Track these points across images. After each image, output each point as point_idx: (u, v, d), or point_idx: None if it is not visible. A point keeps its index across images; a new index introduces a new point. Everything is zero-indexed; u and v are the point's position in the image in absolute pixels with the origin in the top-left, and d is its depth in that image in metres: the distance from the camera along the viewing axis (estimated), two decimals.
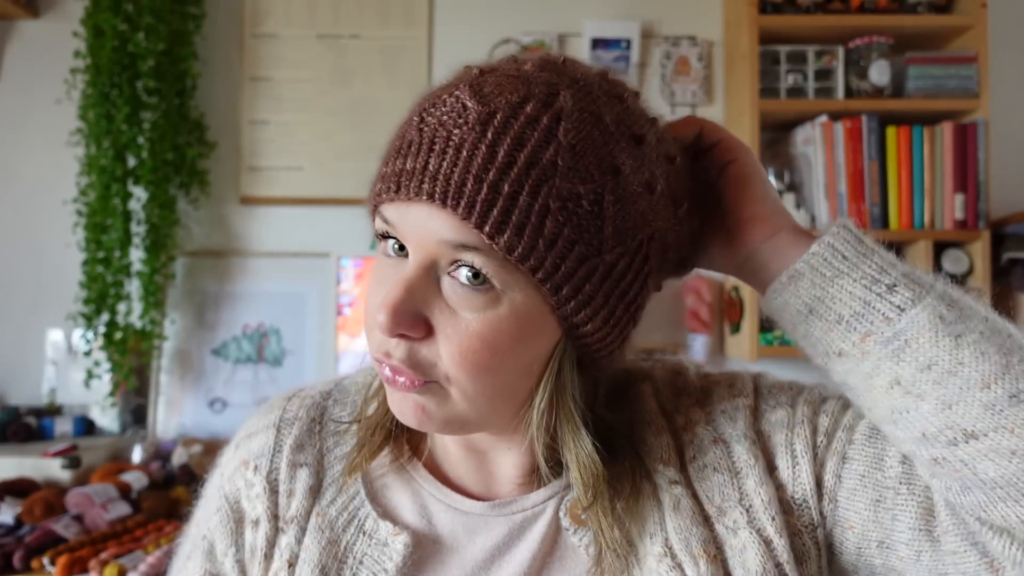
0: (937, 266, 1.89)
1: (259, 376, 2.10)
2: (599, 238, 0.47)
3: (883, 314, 0.48)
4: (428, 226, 0.47)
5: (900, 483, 0.52)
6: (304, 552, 0.58)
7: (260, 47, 2.15)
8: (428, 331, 0.48)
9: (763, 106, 1.91)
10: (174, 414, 2.08)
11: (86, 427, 2.03)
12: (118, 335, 1.95)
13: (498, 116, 0.46)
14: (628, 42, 2.12)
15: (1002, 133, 1.96)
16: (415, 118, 0.49)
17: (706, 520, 0.55)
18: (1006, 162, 1.97)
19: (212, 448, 1.89)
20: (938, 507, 0.50)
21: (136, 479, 1.74)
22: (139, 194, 1.99)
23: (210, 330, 2.11)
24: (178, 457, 1.86)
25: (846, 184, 1.89)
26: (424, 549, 0.58)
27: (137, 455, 1.91)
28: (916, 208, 1.88)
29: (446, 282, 0.48)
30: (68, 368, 2.08)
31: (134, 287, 2.00)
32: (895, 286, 0.49)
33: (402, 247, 0.50)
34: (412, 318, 0.48)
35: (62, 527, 1.53)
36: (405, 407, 0.52)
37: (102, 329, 1.94)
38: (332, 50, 2.15)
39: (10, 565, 1.44)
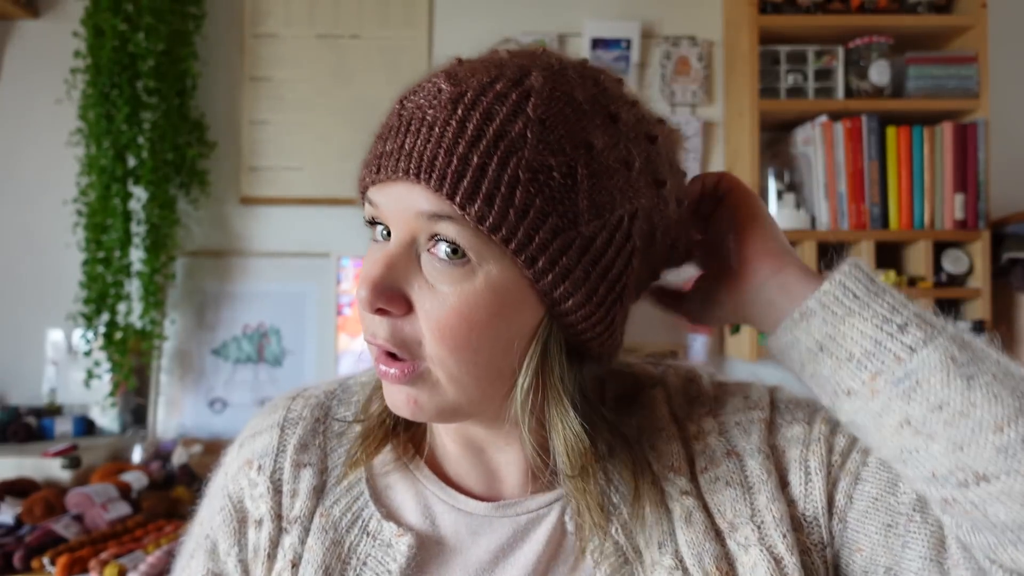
0: (937, 266, 1.89)
1: (259, 376, 2.11)
2: (573, 210, 0.47)
3: (894, 354, 0.48)
4: (406, 202, 0.48)
5: (913, 510, 0.52)
6: (308, 552, 0.58)
7: (260, 47, 2.15)
8: (409, 308, 0.49)
9: (763, 106, 1.91)
10: (174, 414, 2.08)
11: (86, 427, 2.03)
12: (118, 335, 1.95)
13: (468, 94, 0.47)
14: (628, 42, 2.12)
15: (1002, 133, 1.96)
16: (396, 105, 0.51)
17: (718, 535, 0.55)
18: (1006, 162, 1.97)
19: (212, 448, 1.89)
20: (949, 540, 0.50)
21: (136, 479, 1.74)
22: (139, 194, 1.99)
23: (210, 330, 2.11)
24: (178, 457, 1.86)
25: (846, 184, 1.89)
26: (428, 550, 0.58)
27: (137, 455, 1.91)
28: (916, 208, 1.89)
29: (425, 258, 0.49)
30: (68, 368, 2.08)
31: (134, 287, 2.00)
32: (906, 326, 0.48)
33: (390, 233, 0.51)
34: (391, 293, 0.49)
35: (62, 527, 1.53)
36: (398, 399, 0.52)
37: (102, 329, 1.94)
38: (332, 50, 2.15)
39: (10, 565, 1.44)
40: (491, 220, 0.46)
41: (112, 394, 1.98)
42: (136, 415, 2.07)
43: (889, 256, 1.97)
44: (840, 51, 1.94)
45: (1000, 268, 1.88)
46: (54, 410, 2.05)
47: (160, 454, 1.93)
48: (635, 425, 0.60)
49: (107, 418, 2.05)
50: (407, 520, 0.59)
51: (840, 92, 1.94)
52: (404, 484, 0.60)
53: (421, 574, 0.57)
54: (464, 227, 0.47)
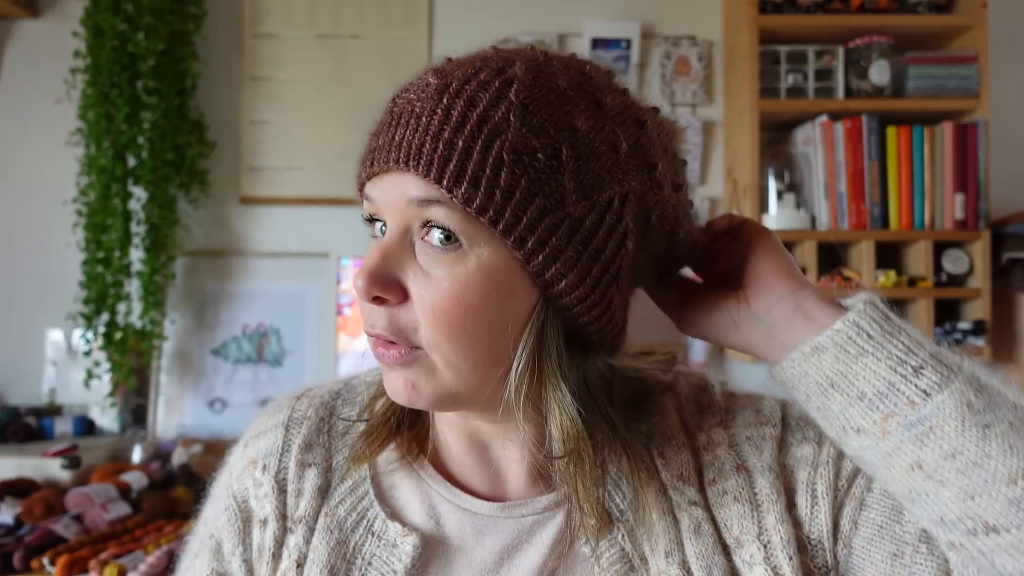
0: (937, 266, 1.89)
1: (259, 376, 2.10)
2: (560, 191, 0.47)
3: (908, 397, 0.47)
4: (397, 191, 0.50)
5: (920, 541, 0.51)
6: (313, 552, 0.58)
7: (260, 47, 2.15)
8: (405, 296, 0.50)
9: (763, 106, 1.91)
10: (174, 414, 2.08)
11: (86, 427, 2.03)
12: (118, 335, 1.95)
13: (453, 84, 0.49)
14: (628, 42, 2.12)
15: (1002, 133, 1.96)
16: (389, 103, 0.53)
17: (724, 549, 0.55)
18: (1006, 162, 1.97)
19: (212, 448, 1.89)
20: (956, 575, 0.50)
21: (136, 479, 1.74)
22: (139, 194, 1.99)
23: (210, 330, 2.11)
24: (178, 457, 1.86)
25: (846, 184, 1.89)
26: (432, 550, 0.58)
27: (137, 455, 1.91)
28: (916, 208, 1.88)
29: (419, 247, 0.50)
30: (68, 368, 2.08)
31: (134, 287, 2.00)
32: (922, 368, 0.47)
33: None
34: (387, 281, 0.50)
35: (62, 527, 1.53)
36: (396, 384, 0.52)
37: (102, 329, 1.94)
38: (332, 50, 2.15)
39: (10, 565, 1.43)
40: (478, 202, 0.47)
41: (112, 394, 1.98)
42: (136, 415, 2.07)
43: (889, 256, 1.97)
44: (840, 51, 1.94)
45: (1000, 268, 1.88)
46: (54, 410, 2.05)
47: (160, 454, 1.93)
48: (644, 431, 0.60)
49: (107, 418, 2.05)
50: (412, 520, 0.59)
51: (840, 92, 1.94)
52: (409, 484, 0.60)
53: (426, 574, 0.57)
54: (453, 210, 0.48)
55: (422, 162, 0.47)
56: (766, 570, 0.53)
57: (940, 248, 1.90)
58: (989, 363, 0.50)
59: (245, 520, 0.61)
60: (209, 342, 2.11)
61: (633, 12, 2.15)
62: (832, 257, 1.94)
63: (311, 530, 0.59)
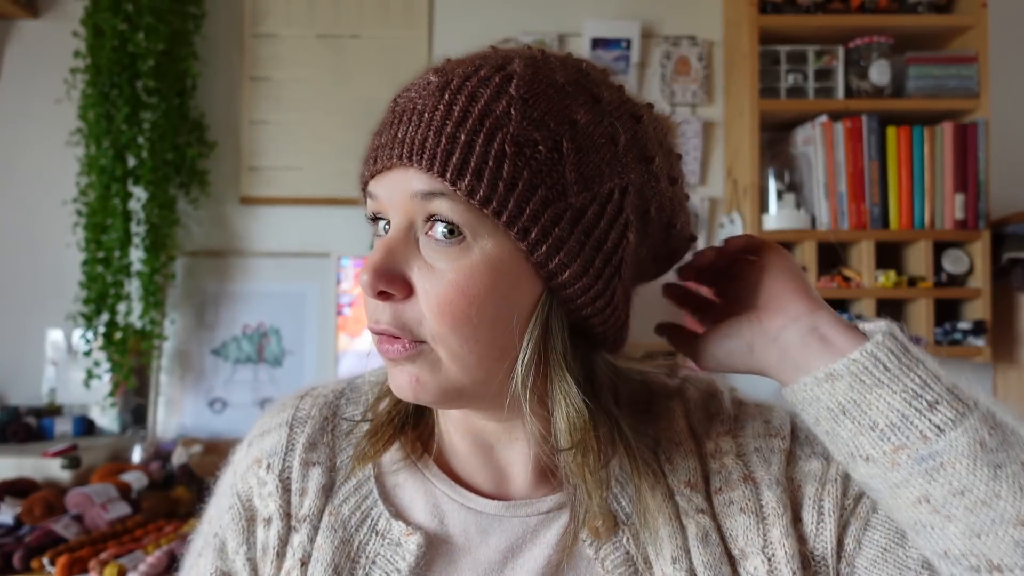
0: (937, 266, 1.89)
1: (259, 376, 2.10)
2: (562, 182, 0.48)
3: (921, 432, 0.46)
4: (401, 186, 0.50)
5: (922, 567, 0.51)
6: (317, 551, 0.58)
7: (260, 47, 2.15)
8: (410, 291, 0.50)
9: (763, 106, 1.91)
10: (174, 414, 2.08)
11: (86, 427, 2.03)
12: (118, 335, 1.95)
13: (454, 81, 0.50)
14: (628, 42, 2.12)
15: (1002, 133, 1.95)
16: (391, 103, 0.53)
17: (730, 560, 0.55)
18: (1006, 162, 1.97)
19: (212, 448, 1.89)
20: None
21: (136, 479, 1.74)
22: (139, 194, 1.99)
23: (210, 330, 2.11)
24: (178, 457, 1.86)
25: (846, 184, 1.88)
26: (436, 549, 0.58)
27: (137, 455, 1.91)
28: (916, 208, 1.88)
29: (423, 241, 0.51)
30: (68, 368, 2.08)
31: (134, 287, 2.00)
32: (937, 403, 0.47)
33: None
34: (392, 275, 0.50)
35: (62, 527, 1.53)
36: (401, 379, 0.52)
37: (102, 329, 1.94)
38: (332, 50, 2.15)
39: (10, 565, 1.43)
40: (481, 193, 0.47)
41: (112, 394, 1.98)
42: (136, 415, 2.07)
43: (889, 256, 1.96)
44: (840, 51, 1.94)
45: (1000, 268, 1.88)
46: (54, 410, 2.05)
47: (160, 454, 1.93)
48: (652, 435, 0.60)
49: (107, 418, 2.05)
50: (416, 519, 0.59)
51: (840, 92, 1.94)
52: (413, 483, 0.60)
53: (430, 573, 0.57)
54: (457, 203, 0.48)
55: (425, 156, 0.48)
56: None
57: (940, 248, 1.90)
58: (1004, 403, 0.50)
59: (249, 519, 0.61)
60: (209, 342, 2.11)
61: (633, 12, 2.15)
62: (832, 257, 1.94)
63: (315, 529, 0.59)
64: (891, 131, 1.89)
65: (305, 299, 2.12)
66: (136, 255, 1.99)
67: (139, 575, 1.37)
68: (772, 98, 1.93)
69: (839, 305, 1.92)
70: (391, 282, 0.50)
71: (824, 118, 1.90)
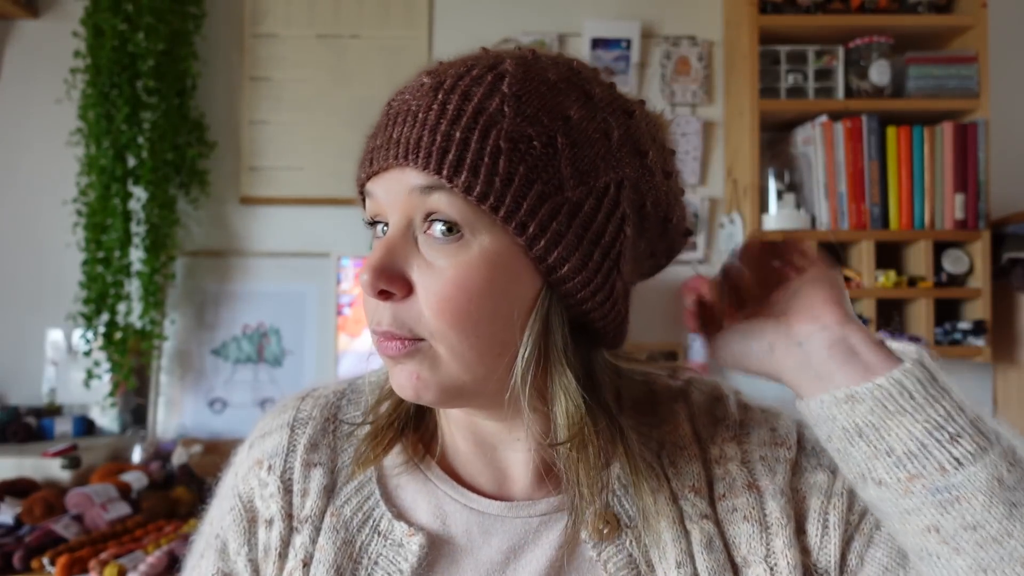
0: (937, 266, 1.89)
1: (259, 376, 2.10)
2: (558, 177, 0.49)
3: (939, 463, 0.46)
4: (399, 185, 0.51)
5: None
6: (319, 552, 0.58)
7: (260, 47, 2.15)
8: (410, 290, 0.50)
9: (763, 106, 1.91)
10: (174, 414, 2.08)
11: (86, 427, 2.03)
12: (118, 335, 1.95)
13: (447, 81, 0.50)
14: (628, 42, 2.12)
15: (1002, 133, 1.95)
16: (385, 106, 0.54)
17: (733, 567, 0.55)
18: (1006, 162, 1.97)
19: (212, 448, 1.89)
20: None
21: (136, 479, 1.74)
22: (139, 194, 1.99)
23: (210, 330, 2.11)
24: (178, 457, 1.86)
25: (846, 184, 1.89)
26: (438, 549, 0.58)
27: (137, 455, 1.91)
28: (916, 208, 1.88)
29: (422, 239, 0.51)
30: (68, 368, 2.08)
31: (134, 287, 2.00)
32: (959, 436, 0.46)
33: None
34: (392, 274, 0.50)
35: (62, 527, 1.53)
36: (402, 378, 0.52)
37: (102, 329, 1.94)
38: (332, 50, 2.15)
39: (10, 565, 1.43)
40: (479, 189, 0.47)
41: (112, 394, 1.98)
42: (136, 415, 2.07)
43: (889, 256, 1.97)
44: (840, 51, 1.94)
45: (1000, 268, 1.88)
46: (54, 410, 2.05)
47: (160, 454, 1.93)
48: (656, 438, 0.60)
49: (107, 418, 2.05)
50: (418, 520, 0.59)
51: (840, 92, 1.94)
52: (415, 484, 0.60)
53: (432, 574, 0.57)
54: (454, 198, 0.48)
55: (421, 155, 0.48)
56: None
57: (940, 248, 1.90)
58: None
59: (251, 520, 0.61)
60: (209, 342, 2.11)
61: (633, 12, 2.15)
62: (832, 257, 1.94)
63: (317, 530, 0.59)
64: (891, 131, 1.89)
65: (305, 299, 2.12)
66: (136, 255, 1.99)
67: (139, 575, 1.37)
68: (772, 98, 1.93)
69: None
70: (391, 281, 0.50)
71: (824, 118, 1.91)
